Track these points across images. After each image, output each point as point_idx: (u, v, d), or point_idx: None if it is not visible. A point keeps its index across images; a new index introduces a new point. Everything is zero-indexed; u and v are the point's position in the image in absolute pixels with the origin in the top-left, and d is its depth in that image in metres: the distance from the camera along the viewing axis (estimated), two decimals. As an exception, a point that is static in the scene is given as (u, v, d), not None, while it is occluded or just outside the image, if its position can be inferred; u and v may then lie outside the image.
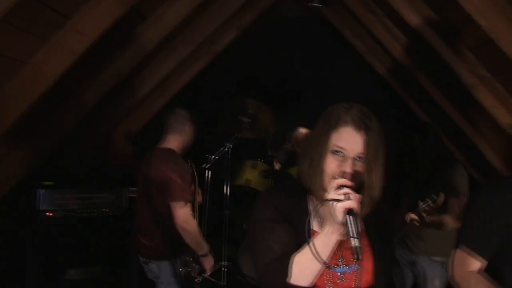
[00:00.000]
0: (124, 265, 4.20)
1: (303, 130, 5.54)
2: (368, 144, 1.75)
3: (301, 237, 1.70)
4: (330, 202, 1.63)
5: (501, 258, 2.26)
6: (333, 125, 1.79)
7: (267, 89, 6.63)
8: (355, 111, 1.79)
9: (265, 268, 1.78)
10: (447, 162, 3.88)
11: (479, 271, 2.25)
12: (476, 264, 2.25)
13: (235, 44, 5.93)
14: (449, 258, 2.38)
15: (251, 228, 1.94)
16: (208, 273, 3.73)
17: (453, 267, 2.35)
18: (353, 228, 1.58)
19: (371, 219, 1.90)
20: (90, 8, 2.86)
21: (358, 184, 1.76)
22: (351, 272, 1.85)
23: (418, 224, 3.43)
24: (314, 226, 1.86)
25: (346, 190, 1.63)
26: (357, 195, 1.65)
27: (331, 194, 1.65)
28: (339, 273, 1.84)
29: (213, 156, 4.86)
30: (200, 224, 3.87)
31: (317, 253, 1.64)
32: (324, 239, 1.69)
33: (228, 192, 5.28)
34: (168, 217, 3.37)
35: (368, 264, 1.86)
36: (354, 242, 1.56)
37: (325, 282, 1.83)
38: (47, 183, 4.04)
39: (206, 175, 5.17)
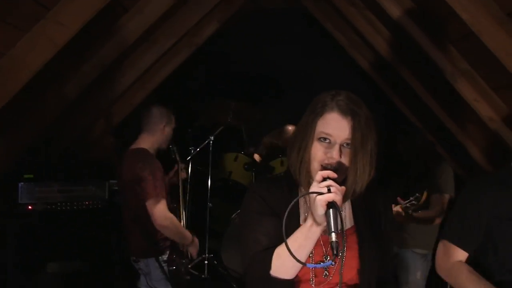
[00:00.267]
0: (106, 258, 4.18)
1: (290, 128, 5.57)
2: (354, 130, 1.73)
3: (288, 229, 1.68)
4: (312, 195, 1.62)
5: (484, 251, 2.34)
6: (319, 112, 1.78)
7: (248, 81, 6.62)
8: (342, 97, 1.79)
9: (250, 260, 1.78)
10: (433, 160, 3.93)
11: (461, 262, 2.33)
12: (458, 256, 2.34)
13: (217, 37, 5.91)
14: (431, 251, 2.44)
15: (240, 219, 1.95)
16: (195, 257, 3.79)
17: (437, 259, 2.43)
18: (333, 222, 1.56)
19: (363, 213, 1.91)
20: (71, -1, 2.83)
21: (345, 174, 1.75)
22: (335, 268, 1.83)
23: (401, 218, 3.47)
24: (301, 220, 1.86)
25: (329, 182, 1.62)
26: (340, 188, 1.63)
27: (314, 187, 1.63)
28: (325, 271, 1.84)
29: (194, 149, 4.85)
30: (182, 216, 3.87)
31: (299, 246, 1.65)
32: (305, 232, 1.68)
33: (210, 185, 5.27)
34: (145, 216, 3.38)
35: (353, 261, 1.85)
36: (332, 237, 1.54)
37: (309, 279, 1.84)
38: (27, 176, 3.99)
39: (188, 167, 5.16)
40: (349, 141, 1.75)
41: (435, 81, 4.38)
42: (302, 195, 1.78)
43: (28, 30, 2.79)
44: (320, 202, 1.58)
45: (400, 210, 3.43)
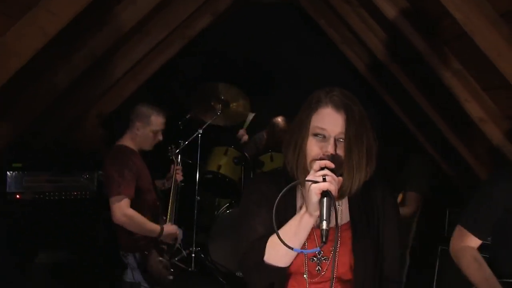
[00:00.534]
0: (93, 249, 4.17)
1: (280, 119, 5.56)
2: (348, 124, 1.75)
3: (284, 221, 1.72)
4: (307, 185, 1.64)
5: (496, 242, 2.45)
6: (314, 107, 1.80)
7: (241, 76, 6.61)
8: (336, 93, 1.80)
9: (245, 248, 1.79)
10: (410, 157, 3.90)
11: (471, 247, 2.46)
12: (469, 241, 2.46)
13: (209, 30, 5.89)
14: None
15: (239, 211, 1.97)
16: (178, 243, 3.83)
17: (451, 241, 2.54)
18: (325, 211, 1.58)
19: (360, 210, 1.91)
20: (63, -12, 2.81)
21: (341, 167, 1.76)
22: (329, 263, 1.86)
23: None
24: (297, 207, 1.88)
25: (325, 171, 1.63)
26: (337, 178, 1.64)
27: (310, 175, 1.65)
28: (317, 266, 1.87)
29: (183, 142, 4.84)
30: (169, 217, 3.87)
31: (293, 234, 1.67)
32: (298, 219, 1.69)
33: (199, 178, 5.26)
34: None
35: (345, 257, 1.86)
36: (324, 225, 1.56)
37: (303, 272, 1.86)
38: (16, 165, 3.97)
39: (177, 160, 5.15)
40: (343, 135, 1.76)
41: (427, 80, 4.39)
42: (297, 183, 1.78)
43: (19, 18, 2.76)
44: (314, 190, 1.60)
45: None
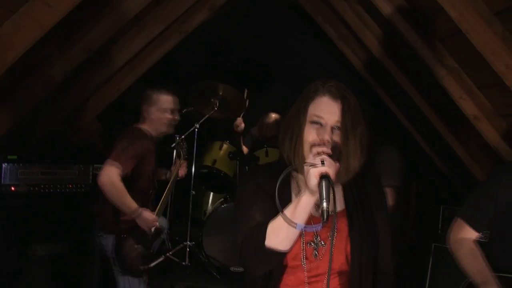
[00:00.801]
0: (87, 242, 4.17)
1: (273, 115, 5.57)
2: (344, 113, 1.82)
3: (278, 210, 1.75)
4: (306, 168, 1.69)
5: (494, 235, 2.51)
6: (311, 96, 1.88)
7: (237, 71, 6.62)
8: (333, 83, 1.88)
9: (245, 234, 1.81)
10: (381, 150, 3.81)
11: (469, 239, 2.49)
12: (466, 233, 2.50)
13: (206, 25, 5.89)
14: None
15: (235, 201, 2.00)
16: (150, 233, 3.70)
17: (449, 232, 2.58)
18: (325, 192, 1.62)
19: (354, 197, 1.96)
20: (60, -19, 2.81)
21: (337, 155, 1.81)
22: (326, 249, 1.89)
23: None
24: (293, 198, 1.91)
25: (323, 156, 1.68)
26: (334, 163, 1.69)
27: (309, 160, 1.71)
28: (314, 250, 1.90)
29: (179, 136, 4.83)
30: (161, 201, 3.87)
31: (291, 216, 1.69)
32: (297, 202, 1.72)
33: (194, 172, 5.27)
34: None
35: (342, 243, 1.90)
36: (324, 205, 1.61)
37: (299, 259, 1.90)
38: (11, 157, 3.97)
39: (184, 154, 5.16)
40: (339, 124, 1.83)
41: (423, 78, 4.41)
42: (296, 166, 1.83)
43: (16, 10, 2.77)
44: (314, 173, 1.65)
45: None
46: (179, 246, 5.12)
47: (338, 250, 1.89)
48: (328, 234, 1.90)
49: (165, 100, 3.80)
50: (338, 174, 1.74)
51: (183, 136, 4.79)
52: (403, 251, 4.26)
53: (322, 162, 1.66)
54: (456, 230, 2.55)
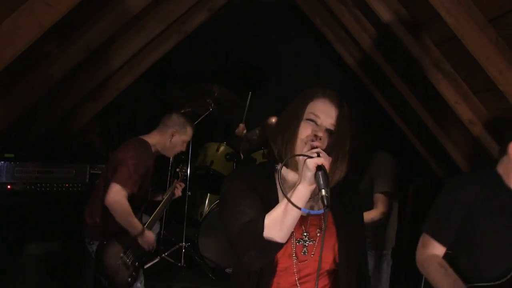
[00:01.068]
0: (83, 241, 4.18)
1: (273, 119, 5.59)
2: (339, 118, 1.88)
3: (270, 207, 1.78)
4: (302, 160, 1.72)
5: (459, 246, 2.48)
6: (311, 97, 1.93)
7: (235, 73, 6.64)
8: (331, 90, 1.94)
9: (240, 229, 1.80)
10: (374, 156, 3.82)
11: (436, 255, 2.47)
12: (434, 249, 2.48)
13: (206, 26, 5.91)
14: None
15: (222, 199, 1.98)
16: (148, 250, 3.72)
17: (417, 251, 2.57)
18: (322, 181, 1.66)
19: (338, 199, 1.96)
20: (60, -20, 2.82)
21: (329, 154, 1.81)
22: (316, 245, 1.92)
23: None
24: (280, 199, 1.91)
25: (319, 149, 1.74)
26: (328, 156, 1.73)
27: (305, 151, 1.77)
28: (303, 248, 1.92)
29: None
30: (153, 216, 3.89)
31: (289, 207, 1.70)
32: (292, 191, 1.73)
33: (190, 173, 5.29)
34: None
35: (331, 240, 1.94)
36: (324, 192, 1.65)
37: (290, 256, 1.91)
38: (8, 155, 3.98)
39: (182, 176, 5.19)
40: (333, 128, 1.88)
41: (418, 81, 4.43)
42: (294, 156, 1.83)
43: (16, 9, 2.79)
44: (310, 164, 1.68)
45: None
46: (174, 247, 5.14)
47: (326, 248, 1.91)
48: (316, 231, 1.94)
49: (191, 134, 3.93)
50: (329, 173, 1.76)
51: (183, 167, 4.81)
52: (400, 253, 4.26)
53: (318, 155, 1.70)
54: (423, 248, 2.53)
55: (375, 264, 3.81)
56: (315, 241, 1.93)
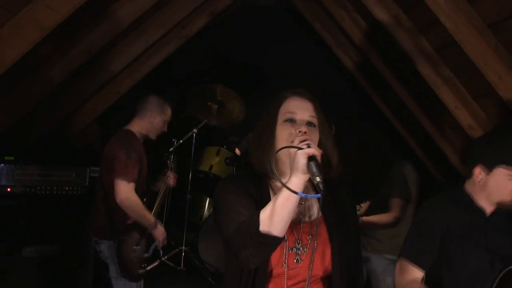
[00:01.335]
0: (81, 244, 4.18)
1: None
2: (316, 109, 1.90)
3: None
4: (293, 153, 1.72)
5: (439, 268, 2.44)
6: (281, 99, 1.95)
7: (235, 77, 6.64)
8: (300, 89, 1.98)
9: (236, 228, 1.79)
10: (394, 162, 3.91)
11: (416, 280, 2.42)
12: (413, 274, 2.43)
13: (206, 30, 5.93)
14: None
15: (215, 203, 1.97)
16: (161, 245, 3.80)
17: (395, 276, 2.53)
18: (315, 169, 1.66)
19: (330, 204, 1.97)
20: (62, -17, 2.83)
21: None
22: (307, 253, 1.89)
23: None
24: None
25: (308, 141, 1.73)
26: (318, 148, 1.73)
27: (295, 143, 1.75)
28: (296, 256, 1.89)
29: (178, 141, 4.85)
30: (154, 209, 3.89)
31: (284, 199, 1.69)
32: (287, 183, 1.70)
33: (191, 177, 5.29)
34: (112, 194, 3.44)
35: (323, 248, 1.91)
36: (317, 179, 1.64)
37: (281, 264, 1.88)
38: (8, 157, 3.98)
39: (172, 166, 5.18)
40: (313, 119, 1.89)
41: (418, 86, 4.43)
42: (287, 147, 1.80)
43: (18, 12, 2.80)
44: (302, 154, 1.68)
45: None
46: (174, 250, 5.14)
47: (319, 254, 1.90)
48: (308, 239, 1.91)
49: (170, 113, 3.92)
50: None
51: (181, 141, 4.81)
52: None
53: (308, 146, 1.70)
54: (402, 274, 2.48)
55: (386, 268, 3.82)
56: (307, 248, 1.90)
